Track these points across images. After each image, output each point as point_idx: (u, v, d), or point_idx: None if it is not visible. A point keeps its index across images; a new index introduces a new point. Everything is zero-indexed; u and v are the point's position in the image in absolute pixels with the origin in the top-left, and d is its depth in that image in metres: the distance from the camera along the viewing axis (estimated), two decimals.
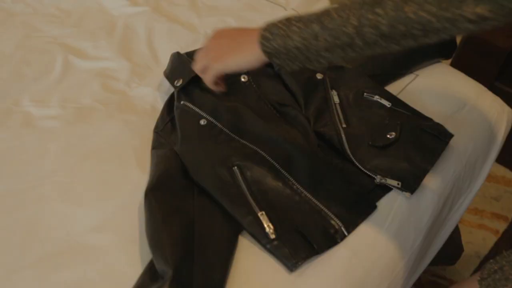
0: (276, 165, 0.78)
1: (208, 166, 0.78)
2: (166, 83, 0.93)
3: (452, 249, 1.02)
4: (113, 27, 1.10)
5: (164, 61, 1.02)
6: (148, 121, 0.88)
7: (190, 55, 0.94)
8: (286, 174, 0.78)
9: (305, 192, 0.76)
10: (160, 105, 0.91)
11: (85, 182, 0.78)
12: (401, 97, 0.95)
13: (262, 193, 0.75)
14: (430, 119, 0.89)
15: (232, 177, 0.77)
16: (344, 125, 0.88)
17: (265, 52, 0.64)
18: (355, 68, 0.98)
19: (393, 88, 0.98)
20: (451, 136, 0.85)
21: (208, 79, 0.75)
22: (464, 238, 1.17)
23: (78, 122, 0.87)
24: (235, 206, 0.74)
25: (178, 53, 0.96)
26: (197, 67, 0.76)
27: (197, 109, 0.85)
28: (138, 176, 0.79)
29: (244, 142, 0.82)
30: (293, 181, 0.77)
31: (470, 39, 1.51)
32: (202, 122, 0.84)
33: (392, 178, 0.79)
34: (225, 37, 0.74)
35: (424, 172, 0.81)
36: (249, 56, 0.68)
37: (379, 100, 0.92)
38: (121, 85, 0.95)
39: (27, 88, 0.93)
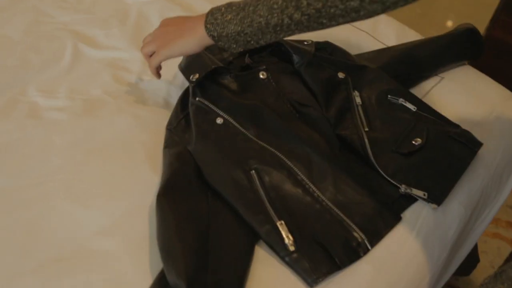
0: (296, 170, 0.71)
1: (224, 168, 0.72)
2: (181, 76, 0.86)
3: (468, 259, 0.95)
4: (126, 15, 1.02)
5: None
6: (160, 116, 0.81)
7: (207, 48, 0.87)
8: (306, 180, 0.71)
9: (326, 201, 0.69)
10: (173, 99, 0.85)
11: (92, 181, 0.71)
12: (426, 100, 0.88)
13: (280, 200, 0.68)
14: (458, 126, 0.82)
15: (249, 181, 0.70)
16: (366, 129, 0.81)
17: (211, 35, 0.67)
18: (378, 68, 0.91)
19: (417, 90, 0.91)
20: (480, 144, 0.79)
21: (153, 64, 0.76)
22: (479, 247, 1.11)
23: (86, 115, 0.80)
24: (251, 213, 0.67)
25: None
26: (144, 51, 0.77)
27: (213, 107, 0.78)
28: (148, 176, 0.72)
29: (263, 143, 0.75)
30: (314, 188, 0.70)
31: (488, 39, 1.44)
32: (219, 120, 0.77)
33: (418, 188, 0.73)
34: (171, 24, 0.75)
35: (452, 183, 0.75)
36: (192, 40, 0.70)
37: (403, 103, 0.85)
38: (132, 77, 0.89)
39: (34, 77, 0.86)
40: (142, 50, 0.77)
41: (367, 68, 0.90)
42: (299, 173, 0.71)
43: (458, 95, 0.92)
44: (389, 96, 0.86)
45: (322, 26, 0.61)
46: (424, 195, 0.72)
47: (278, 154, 0.73)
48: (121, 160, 0.73)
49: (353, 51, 0.96)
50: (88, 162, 0.73)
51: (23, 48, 0.92)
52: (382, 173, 0.74)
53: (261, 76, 0.84)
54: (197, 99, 0.79)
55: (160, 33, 0.76)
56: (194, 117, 0.78)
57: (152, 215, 0.67)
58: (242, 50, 0.68)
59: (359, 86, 0.87)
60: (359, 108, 0.84)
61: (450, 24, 2.30)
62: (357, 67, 0.90)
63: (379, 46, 1.00)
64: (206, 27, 0.67)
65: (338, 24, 0.61)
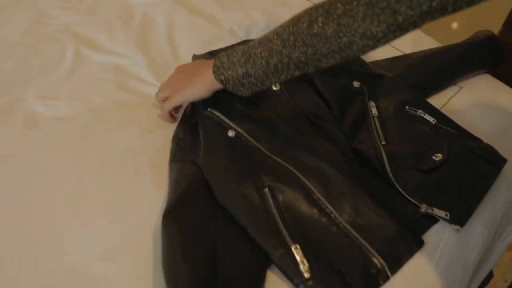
0: (312, 188, 0.65)
1: (234, 184, 0.65)
2: None
3: None
4: (131, 16, 0.96)
5: (185, 58, 0.89)
6: (167, 127, 0.75)
7: (215, 54, 0.80)
8: (323, 199, 0.64)
9: (344, 223, 0.62)
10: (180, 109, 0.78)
11: (93, 199, 0.65)
12: (444, 111, 0.82)
13: (295, 222, 0.62)
14: (480, 140, 0.76)
15: (261, 200, 0.64)
16: (383, 142, 0.75)
17: (219, 80, 0.67)
18: (395, 77, 0.84)
19: (436, 101, 0.85)
20: (504, 161, 0.73)
21: (165, 109, 0.75)
22: None
23: (88, 125, 0.74)
24: (264, 235, 0.61)
25: (203, 55, 0.83)
26: (158, 97, 0.77)
27: (225, 118, 0.72)
28: (153, 193, 0.66)
29: (276, 158, 0.68)
30: (331, 208, 0.64)
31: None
32: (230, 133, 0.70)
33: (440, 208, 0.67)
34: (184, 72, 0.76)
35: (476, 203, 0.69)
36: (202, 86, 0.70)
37: (422, 115, 0.79)
38: (137, 84, 0.82)
39: (33, 82, 0.80)
40: (156, 96, 0.78)
41: (384, 77, 0.84)
42: (315, 191, 0.65)
43: (477, 105, 0.86)
44: (407, 107, 0.80)
45: (321, 63, 0.61)
46: (446, 215, 0.66)
47: (293, 170, 0.67)
48: (124, 176, 0.67)
49: (368, 58, 0.90)
50: (89, 177, 0.67)
51: (21, 50, 0.86)
52: (401, 191, 0.68)
53: (274, 88, 0.78)
54: (208, 109, 0.73)
55: (174, 80, 0.77)
56: (203, 129, 0.72)
57: (157, 236, 0.61)
58: (250, 93, 0.68)
59: (376, 96, 0.81)
60: (376, 119, 0.78)
61: (455, 25, 2.23)
62: (373, 75, 0.84)
63: (394, 53, 0.94)
64: (213, 71, 0.67)
65: (336, 61, 0.60)
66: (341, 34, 0.56)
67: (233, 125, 0.71)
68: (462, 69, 0.90)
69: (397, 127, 0.77)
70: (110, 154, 0.69)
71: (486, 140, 0.76)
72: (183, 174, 0.67)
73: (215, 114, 0.73)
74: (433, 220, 0.67)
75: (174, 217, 0.61)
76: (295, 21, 0.60)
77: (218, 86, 0.69)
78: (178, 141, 0.73)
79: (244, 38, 0.92)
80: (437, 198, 0.68)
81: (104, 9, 0.98)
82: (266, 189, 0.64)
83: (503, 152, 0.74)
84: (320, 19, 0.57)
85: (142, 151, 0.70)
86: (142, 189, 0.66)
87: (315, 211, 0.64)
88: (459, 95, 0.87)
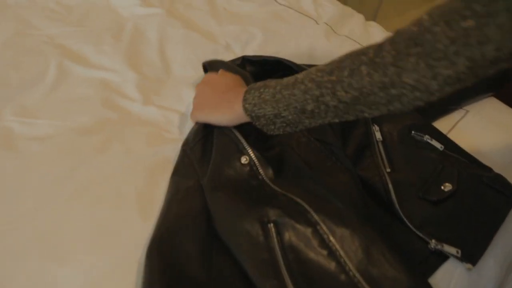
0: (323, 226, 0.56)
1: (238, 217, 0.58)
2: (185, 102, 0.74)
3: None
4: (121, 29, 0.89)
5: (178, 74, 0.83)
6: (157, 151, 0.68)
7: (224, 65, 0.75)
8: (333, 241, 0.55)
9: (354, 271, 0.54)
10: (173, 130, 0.72)
11: (72, 230, 0.57)
12: (451, 136, 0.77)
13: (299, 265, 0.54)
14: (490, 169, 0.71)
15: (265, 237, 0.56)
16: (388, 169, 0.69)
17: (249, 115, 0.61)
18: None
19: (442, 125, 0.79)
20: None
21: (191, 119, 0.71)
22: None
23: (69, 146, 0.66)
24: (263, 276, 0.54)
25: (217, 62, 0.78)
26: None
27: (242, 140, 0.65)
28: (137, 223, 0.59)
29: (287, 193, 0.60)
30: (341, 252, 0.55)
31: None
32: (244, 160, 0.63)
33: (450, 244, 0.61)
34: (214, 88, 0.70)
35: (489, 238, 0.63)
36: (229, 117, 0.65)
37: (429, 141, 0.73)
38: (124, 102, 0.75)
39: (11, 98, 0.72)
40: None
41: None
42: (326, 230, 0.56)
43: (485, 130, 0.81)
44: (413, 132, 0.74)
45: (363, 114, 0.54)
46: (458, 252, 0.60)
47: (304, 204, 0.58)
48: (107, 205, 0.60)
49: None
50: (68, 206, 0.59)
51: (1, 63, 0.79)
52: (408, 223, 0.62)
53: None
54: None
55: (201, 92, 0.72)
56: (217, 146, 0.65)
57: (141, 272, 0.54)
58: (281, 133, 0.62)
59: (379, 120, 0.75)
60: (380, 145, 0.72)
61: None
62: None
63: None
64: (244, 106, 0.61)
65: (381, 112, 0.53)
66: (388, 86, 0.48)
67: (249, 151, 0.64)
68: (468, 92, 0.85)
69: (403, 154, 0.72)
70: (92, 179, 0.62)
71: (495, 168, 0.71)
72: (183, 194, 0.60)
73: (233, 133, 0.65)
74: (443, 256, 0.61)
75: (160, 247, 0.54)
76: (334, 67, 0.53)
77: (246, 119, 0.63)
78: (186, 150, 0.66)
79: (240, 54, 0.86)
80: (447, 232, 0.62)
81: (94, 21, 0.91)
82: (272, 224, 0.57)
83: None
84: (363, 68, 0.49)
85: (129, 178, 0.63)
86: (127, 220, 0.59)
87: (323, 253, 0.55)
88: (466, 119, 0.82)
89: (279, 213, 0.57)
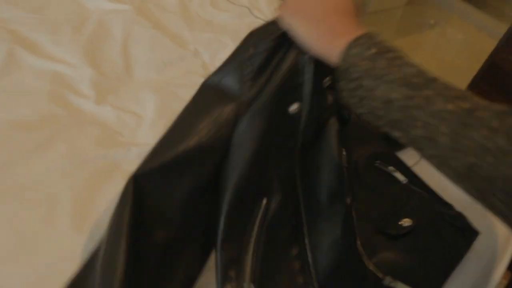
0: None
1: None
2: (141, 103, 0.68)
3: None
4: (83, 21, 0.83)
5: (139, 75, 0.78)
6: (104, 153, 0.62)
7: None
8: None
9: None
10: (126, 133, 0.66)
11: None
12: (417, 169, 0.74)
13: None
14: (451, 206, 0.69)
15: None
16: (348, 199, 0.65)
17: (340, 66, 0.45)
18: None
19: (409, 155, 0.77)
20: (476, 234, 0.66)
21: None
22: None
23: (5, 142, 0.59)
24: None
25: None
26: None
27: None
28: (68, 235, 0.52)
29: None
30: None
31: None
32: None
33: (405, 282, 0.58)
34: (322, 2, 0.50)
35: (444, 279, 0.60)
36: (317, 45, 0.48)
37: (393, 173, 0.71)
38: (76, 99, 0.69)
39: None
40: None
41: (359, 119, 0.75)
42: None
43: None
44: (377, 161, 0.71)
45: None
46: None
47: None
48: (37, 211, 0.53)
49: None
50: None
51: None
52: (363, 259, 0.59)
53: None
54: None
55: None
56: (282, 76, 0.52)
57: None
58: (360, 114, 0.46)
59: (349, 142, 0.72)
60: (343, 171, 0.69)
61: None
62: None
63: None
64: (344, 51, 0.45)
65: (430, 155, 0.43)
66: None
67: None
68: None
69: (364, 184, 0.68)
70: (25, 181, 0.55)
71: (457, 206, 0.69)
72: (211, 119, 0.50)
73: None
74: None
75: (144, 186, 0.45)
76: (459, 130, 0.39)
77: (332, 58, 0.47)
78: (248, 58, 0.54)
79: (208, 62, 0.82)
80: (402, 270, 0.59)
81: (55, 10, 0.85)
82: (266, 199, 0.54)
83: (474, 221, 0.66)
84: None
85: (66, 180, 0.57)
86: (57, 229, 0.52)
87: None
88: None
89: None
